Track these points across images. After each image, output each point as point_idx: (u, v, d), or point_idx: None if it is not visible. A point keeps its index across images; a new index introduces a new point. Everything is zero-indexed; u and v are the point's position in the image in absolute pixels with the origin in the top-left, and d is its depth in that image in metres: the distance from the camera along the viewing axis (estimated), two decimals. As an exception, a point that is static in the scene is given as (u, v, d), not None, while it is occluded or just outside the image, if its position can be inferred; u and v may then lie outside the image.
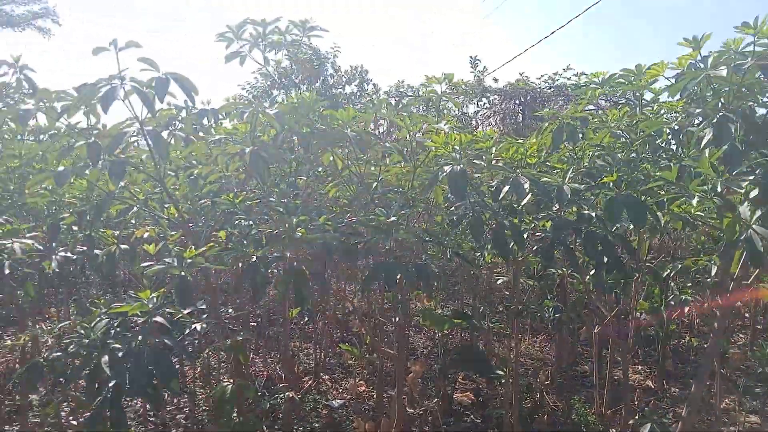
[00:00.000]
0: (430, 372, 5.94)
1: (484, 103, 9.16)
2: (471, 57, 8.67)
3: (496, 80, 9.09)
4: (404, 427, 4.00)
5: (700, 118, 2.67)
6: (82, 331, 2.07)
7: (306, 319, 7.13)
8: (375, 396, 5.26)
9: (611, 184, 2.70)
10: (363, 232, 2.87)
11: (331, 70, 10.50)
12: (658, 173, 2.44)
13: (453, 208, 3.15)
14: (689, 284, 4.40)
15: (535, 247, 3.13)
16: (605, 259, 3.13)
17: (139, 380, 2.01)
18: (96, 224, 3.03)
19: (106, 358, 2.03)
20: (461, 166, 2.75)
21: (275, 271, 3.02)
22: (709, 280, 4.23)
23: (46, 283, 3.29)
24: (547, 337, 7.34)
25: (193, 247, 2.53)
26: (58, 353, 2.60)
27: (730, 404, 4.86)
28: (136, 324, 2.22)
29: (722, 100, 2.32)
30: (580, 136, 3.04)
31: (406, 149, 3.66)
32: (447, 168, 2.77)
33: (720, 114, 2.28)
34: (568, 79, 9.46)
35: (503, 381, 5.21)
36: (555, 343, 6.65)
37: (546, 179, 2.87)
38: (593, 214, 2.98)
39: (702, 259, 4.56)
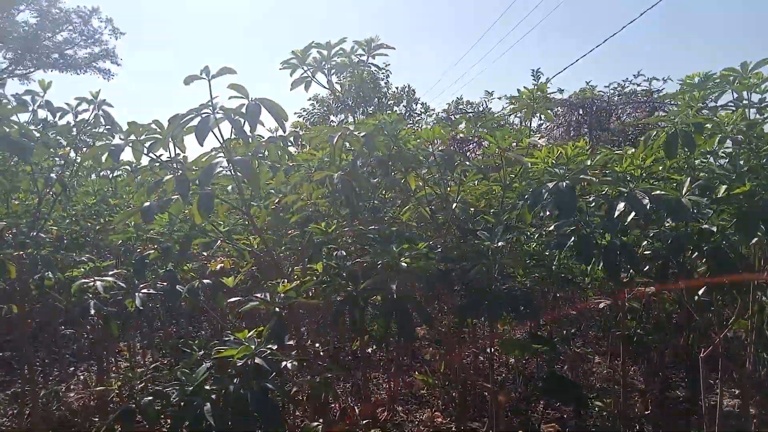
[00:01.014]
0: (510, 401, 5.62)
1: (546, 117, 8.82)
2: (533, 70, 8.44)
3: (561, 91, 8.81)
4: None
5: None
6: (183, 377, 1.93)
7: (374, 346, 6.93)
8: (455, 428, 4.99)
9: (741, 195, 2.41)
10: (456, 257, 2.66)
11: (385, 90, 10.41)
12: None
13: (552, 228, 2.91)
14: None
15: (647, 267, 2.85)
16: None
17: (243, 428, 1.85)
18: (183, 259, 2.94)
19: (208, 406, 1.87)
20: (567, 182, 2.53)
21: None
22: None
23: (128, 320, 3.21)
24: (629, 360, 6.90)
25: (285, 281, 2.38)
26: (150, 398, 2.48)
27: None
28: (235, 365, 2.06)
29: None
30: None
31: (487, 166, 3.46)
32: (550, 185, 2.55)
33: None
34: (638, 85, 9.06)
35: (593, 411, 4.87)
36: (641, 368, 6.22)
37: (658, 192, 2.60)
38: (713, 229, 2.70)
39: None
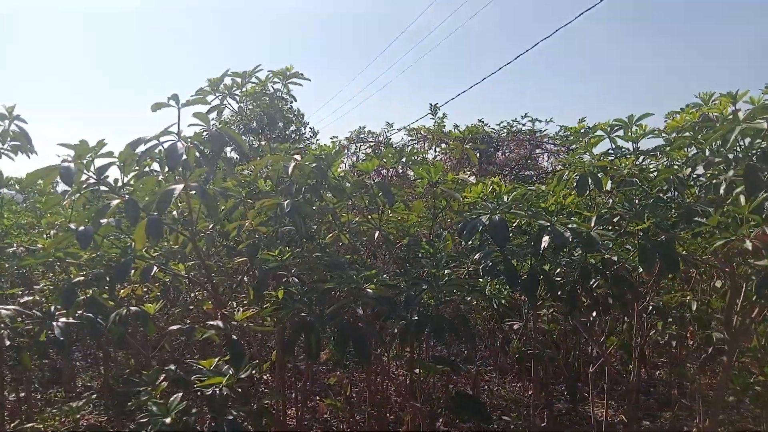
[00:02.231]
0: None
1: (443, 149, 9.43)
2: (431, 104, 9.01)
3: (456, 126, 9.47)
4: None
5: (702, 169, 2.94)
6: (155, 408, 1.88)
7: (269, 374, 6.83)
8: (363, 450, 5.10)
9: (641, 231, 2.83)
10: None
11: (290, 116, 10.45)
12: (698, 219, 2.60)
13: (477, 257, 3.17)
14: (669, 319, 4.62)
15: (559, 293, 3.21)
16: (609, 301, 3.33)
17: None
18: (114, 286, 2.81)
19: (181, 436, 1.85)
20: (499, 215, 2.81)
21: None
22: (688, 315, 4.47)
23: (44, 351, 2.99)
24: (514, 377, 7.44)
25: (241, 309, 2.41)
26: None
27: None
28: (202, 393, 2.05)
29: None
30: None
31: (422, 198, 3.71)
32: (484, 218, 2.81)
33: (749, 164, 2.48)
34: (524, 125, 10.08)
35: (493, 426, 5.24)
36: (527, 383, 6.78)
37: (572, 226, 2.97)
38: (615, 258, 3.12)
39: (676, 295, 4.84)
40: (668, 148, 3.25)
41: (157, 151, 2.49)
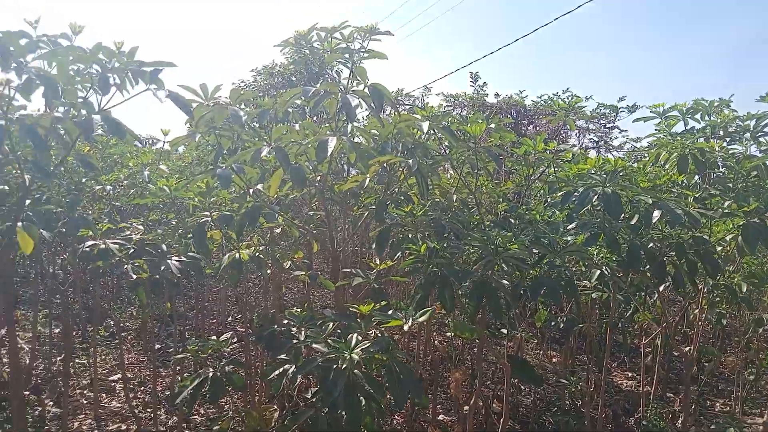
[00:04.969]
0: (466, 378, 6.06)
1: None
2: (471, 73, 9.01)
3: (497, 95, 9.48)
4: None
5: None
6: (336, 345, 1.99)
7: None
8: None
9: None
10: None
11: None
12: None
13: (572, 225, 3.29)
14: (717, 299, 4.80)
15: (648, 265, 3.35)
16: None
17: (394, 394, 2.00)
18: (242, 229, 2.91)
19: (358, 372, 1.98)
20: (611, 188, 2.92)
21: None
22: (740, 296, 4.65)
23: (158, 289, 3.09)
24: (540, 346, 7.67)
25: (377, 260, 2.52)
26: (231, 366, 2.49)
27: None
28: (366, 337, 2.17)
29: None
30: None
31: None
32: (598, 189, 2.92)
33: None
34: (561, 100, 10.12)
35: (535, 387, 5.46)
36: (560, 352, 7.03)
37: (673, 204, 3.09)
38: (706, 237, 3.27)
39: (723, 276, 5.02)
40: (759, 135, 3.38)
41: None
